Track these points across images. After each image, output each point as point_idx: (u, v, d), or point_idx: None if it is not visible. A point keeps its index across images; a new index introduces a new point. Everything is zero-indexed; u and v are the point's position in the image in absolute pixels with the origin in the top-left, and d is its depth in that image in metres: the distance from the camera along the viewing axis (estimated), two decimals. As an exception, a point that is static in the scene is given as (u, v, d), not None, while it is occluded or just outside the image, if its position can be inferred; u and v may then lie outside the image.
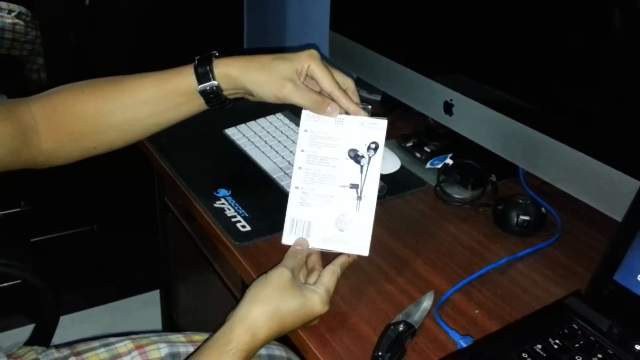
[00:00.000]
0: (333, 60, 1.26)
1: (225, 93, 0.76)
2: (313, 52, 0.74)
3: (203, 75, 0.75)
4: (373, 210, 0.71)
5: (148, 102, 0.77)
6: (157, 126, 0.79)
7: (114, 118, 0.77)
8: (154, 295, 1.65)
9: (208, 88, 0.75)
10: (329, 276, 0.68)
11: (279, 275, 0.65)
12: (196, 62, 0.76)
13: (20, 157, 0.74)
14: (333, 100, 0.73)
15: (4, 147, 0.72)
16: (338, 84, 0.73)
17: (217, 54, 0.76)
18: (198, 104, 0.77)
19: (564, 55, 0.80)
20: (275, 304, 0.63)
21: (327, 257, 0.72)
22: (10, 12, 1.84)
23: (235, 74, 0.75)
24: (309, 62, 0.73)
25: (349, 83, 0.75)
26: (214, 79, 0.74)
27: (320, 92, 0.74)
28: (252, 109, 1.13)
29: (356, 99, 0.75)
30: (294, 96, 0.72)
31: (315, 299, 0.65)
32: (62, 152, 0.78)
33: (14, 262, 0.91)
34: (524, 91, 0.87)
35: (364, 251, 0.72)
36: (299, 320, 0.65)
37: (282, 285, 0.64)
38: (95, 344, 0.83)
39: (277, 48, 1.82)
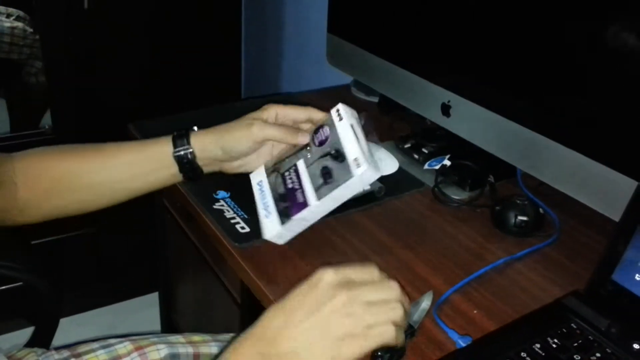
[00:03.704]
0: (331, 62, 1.26)
1: (199, 162, 0.81)
2: (272, 104, 0.83)
3: (179, 143, 0.80)
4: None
5: (123, 165, 0.81)
6: (128, 192, 0.83)
7: (88, 178, 0.80)
8: (153, 297, 1.65)
9: (182, 153, 0.80)
10: None
11: None
12: (175, 133, 0.81)
13: (5, 218, 0.77)
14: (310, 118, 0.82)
15: None
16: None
17: (195, 129, 0.82)
18: (172, 172, 0.81)
19: (561, 55, 0.81)
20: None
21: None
22: (8, 15, 1.84)
23: (209, 140, 0.80)
24: (275, 110, 0.81)
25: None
26: (189, 146, 0.80)
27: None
28: (251, 111, 1.14)
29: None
30: (264, 131, 0.78)
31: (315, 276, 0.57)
32: (34, 207, 0.80)
33: (14, 264, 0.91)
34: (521, 92, 0.88)
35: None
36: (297, 292, 0.57)
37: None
38: (95, 345, 0.83)
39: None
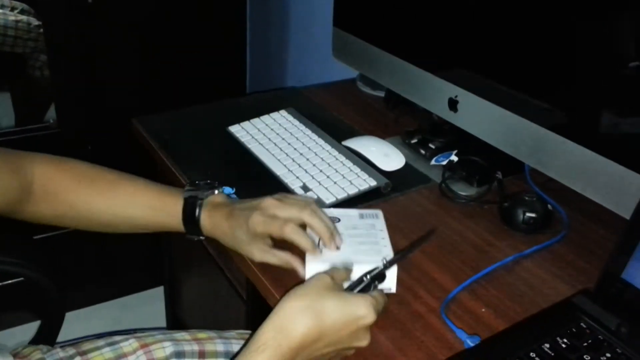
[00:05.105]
0: (336, 56, 1.25)
1: (207, 235, 0.82)
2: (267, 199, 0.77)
3: (192, 229, 0.81)
4: None
5: (133, 219, 0.83)
6: (136, 228, 0.85)
7: (98, 216, 0.83)
8: (158, 292, 1.65)
9: (195, 239, 0.83)
10: (378, 293, 0.65)
11: (317, 278, 0.62)
12: (186, 212, 0.80)
13: (15, 209, 0.79)
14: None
15: (9, 196, 0.77)
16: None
17: (202, 198, 0.81)
18: (182, 229, 0.83)
19: (571, 50, 0.80)
20: (310, 300, 0.59)
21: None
22: (13, 9, 1.83)
23: (220, 229, 0.80)
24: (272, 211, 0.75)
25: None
26: (202, 234, 0.82)
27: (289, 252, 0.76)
28: (256, 106, 1.13)
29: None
30: (261, 258, 0.76)
31: (358, 301, 0.60)
32: (39, 217, 0.82)
33: (17, 259, 0.91)
34: (529, 87, 0.87)
35: None
36: (341, 321, 0.59)
37: (320, 285, 0.61)
38: (101, 342, 0.83)
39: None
